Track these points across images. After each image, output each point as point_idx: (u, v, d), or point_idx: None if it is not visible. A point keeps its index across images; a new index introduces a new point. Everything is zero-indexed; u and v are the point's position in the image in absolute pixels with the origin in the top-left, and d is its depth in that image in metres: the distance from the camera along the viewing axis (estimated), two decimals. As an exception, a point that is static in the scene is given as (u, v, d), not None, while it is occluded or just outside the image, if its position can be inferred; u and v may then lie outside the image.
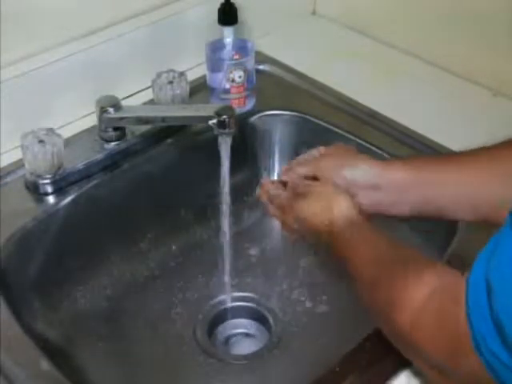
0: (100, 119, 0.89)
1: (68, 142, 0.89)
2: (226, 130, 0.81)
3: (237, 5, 0.96)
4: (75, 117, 0.97)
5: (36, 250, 0.85)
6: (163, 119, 0.87)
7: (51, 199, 0.87)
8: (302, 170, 0.77)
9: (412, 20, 1.11)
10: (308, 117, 1.01)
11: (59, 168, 0.87)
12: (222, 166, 0.84)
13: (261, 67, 1.08)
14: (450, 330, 0.52)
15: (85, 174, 0.89)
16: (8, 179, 0.89)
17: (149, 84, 0.96)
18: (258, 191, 0.81)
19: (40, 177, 0.86)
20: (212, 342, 0.92)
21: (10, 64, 0.89)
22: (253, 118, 1.02)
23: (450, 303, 0.52)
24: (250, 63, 0.98)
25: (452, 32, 1.06)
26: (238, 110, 0.93)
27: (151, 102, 0.98)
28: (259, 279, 0.98)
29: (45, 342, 0.78)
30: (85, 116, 0.97)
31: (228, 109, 0.83)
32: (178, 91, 0.95)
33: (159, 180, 0.96)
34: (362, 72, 1.10)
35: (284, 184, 0.79)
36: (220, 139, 0.83)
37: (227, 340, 0.94)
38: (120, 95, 0.90)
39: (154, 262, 0.98)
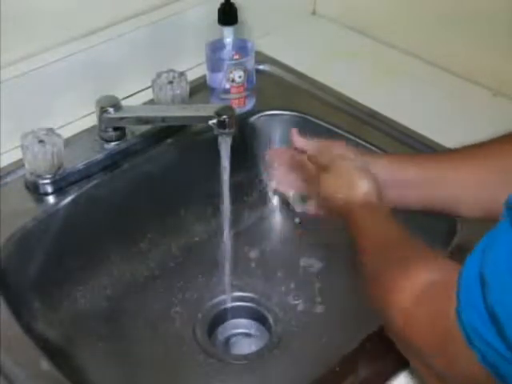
0: (100, 119, 0.89)
1: (68, 142, 0.89)
2: (226, 130, 0.81)
3: (237, 5, 0.96)
4: (75, 117, 0.97)
5: (36, 250, 0.85)
6: (163, 119, 0.87)
7: (51, 199, 0.87)
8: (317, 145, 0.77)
9: (412, 20, 1.11)
10: (308, 117, 1.01)
11: (59, 168, 0.87)
12: (221, 165, 0.84)
13: (261, 67, 1.08)
14: (441, 324, 0.52)
15: (85, 174, 0.89)
16: (8, 179, 0.89)
17: (149, 84, 0.96)
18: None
19: (40, 177, 0.86)
20: (212, 341, 0.92)
21: (10, 64, 0.89)
22: (253, 118, 1.02)
23: (441, 298, 0.52)
24: (250, 63, 0.98)
25: (452, 32, 1.06)
26: (238, 110, 0.93)
27: (151, 102, 0.98)
28: (259, 279, 0.98)
29: (45, 342, 0.78)
30: (85, 116, 0.97)
31: (228, 109, 0.83)
32: (178, 91, 0.95)
33: (159, 180, 0.96)
34: (362, 72, 1.10)
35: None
36: (220, 139, 0.83)
37: (227, 340, 0.94)
38: (120, 95, 0.90)
39: (154, 262, 0.98)
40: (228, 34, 0.97)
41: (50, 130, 0.86)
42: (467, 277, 0.49)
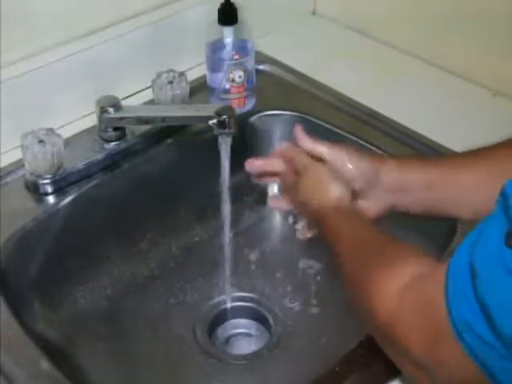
0: (100, 119, 0.89)
1: (68, 142, 0.89)
2: (226, 130, 0.81)
3: (237, 5, 0.96)
4: (75, 117, 0.97)
5: (36, 249, 0.85)
6: (163, 119, 0.87)
7: (51, 199, 0.87)
8: (311, 147, 0.77)
9: (412, 20, 1.11)
10: (308, 117, 1.01)
11: (59, 168, 0.87)
12: (221, 165, 0.84)
13: (261, 67, 1.08)
14: (428, 318, 0.51)
15: (85, 174, 0.89)
16: (8, 179, 0.89)
17: (149, 84, 0.96)
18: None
19: (40, 177, 0.86)
20: (212, 342, 0.92)
21: (10, 64, 0.89)
22: (253, 118, 1.02)
23: (427, 292, 0.52)
24: (250, 63, 0.98)
25: (452, 32, 1.06)
26: (238, 110, 0.93)
27: (151, 102, 0.98)
28: (259, 279, 0.98)
29: (45, 342, 0.78)
30: (85, 116, 0.97)
31: (228, 109, 0.83)
32: (178, 91, 0.95)
33: (159, 180, 0.96)
34: (362, 72, 1.10)
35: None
36: (220, 139, 0.83)
37: (227, 340, 0.94)
38: (120, 95, 0.90)
39: (154, 262, 0.98)
40: (228, 34, 0.97)
41: (50, 130, 0.86)
42: (456, 268, 0.49)
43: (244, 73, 0.97)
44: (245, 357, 0.91)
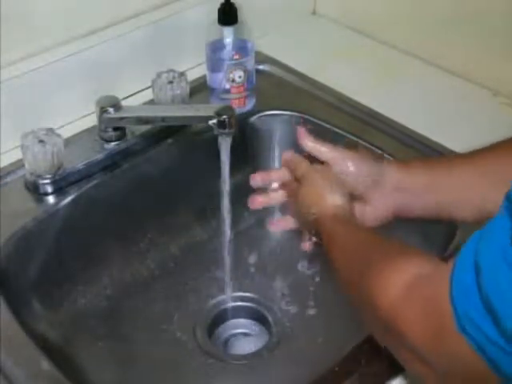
0: (100, 119, 0.89)
1: (68, 142, 0.89)
2: (226, 130, 0.81)
3: (237, 5, 0.96)
4: (75, 117, 0.97)
5: (36, 250, 0.85)
6: (163, 119, 0.87)
7: (51, 199, 0.87)
8: (311, 147, 0.77)
9: (412, 20, 1.11)
10: (308, 117, 1.01)
11: (59, 168, 0.87)
12: (222, 166, 0.84)
13: (261, 67, 1.08)
14: (432, 313, 0.51)
15: (85, 174, 0.89)
16: (8, 179, 0.89)
17: (149, 84, 0.96)
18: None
19: (40, 177, 0.86)
20: (212, 342, 0.92)
21: (10, 64, 0.89)
22: (253, 118, 1.02)
23: (432, 289, 0.52)
24: (250, 63, 0.98)
25: (452, 32, 1.06)
26: (238, 110, 0.93)
27: (151, 102, 0.98)
28: (259, 279, 0.98)
29: (45, 342, 0.78)
30: (85, 116, 0.97)
31: (228, 109, 0.83)
32: (178, 91, 0.95)
33: (159, 180, 0.96)
34: (362, 72, 1.10)
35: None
36: (220, 139, 0.83)
37: (227, 340, 0.94)
38: (120, 95, 0.90)
39: (154, 262, 0.98)
40: (228, 34, 0.97)
41: (50, 130, 0.86)
42: (461, 266, 0.49)
43: (244, 73, 0.97)
44: (244, 357, 0.91)
